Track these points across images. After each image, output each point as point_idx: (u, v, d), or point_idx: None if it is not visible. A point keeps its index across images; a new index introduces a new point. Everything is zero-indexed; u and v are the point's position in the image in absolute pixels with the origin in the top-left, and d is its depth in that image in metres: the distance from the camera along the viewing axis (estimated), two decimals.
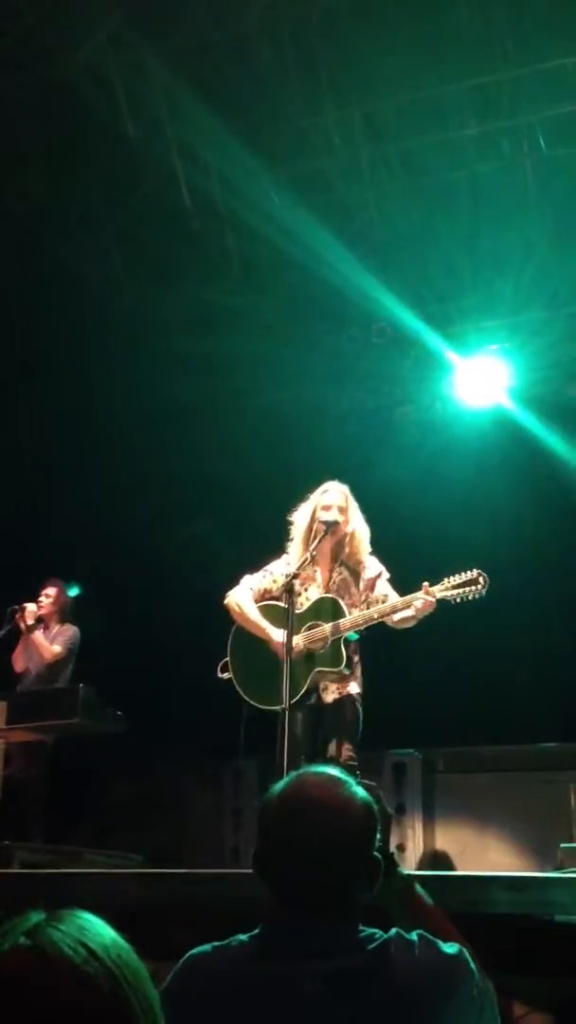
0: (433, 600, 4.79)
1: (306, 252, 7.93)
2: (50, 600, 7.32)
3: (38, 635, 7.15)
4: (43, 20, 6.72)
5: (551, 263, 8.07)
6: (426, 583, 4.86)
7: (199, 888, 4.15)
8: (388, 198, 8.10)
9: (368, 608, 5.04)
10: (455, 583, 4.79)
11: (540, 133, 7.44)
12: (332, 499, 5.17)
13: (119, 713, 6.65)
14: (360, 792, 1.94)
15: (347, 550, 5.15)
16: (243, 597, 5.20)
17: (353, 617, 4.98)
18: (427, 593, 4.81)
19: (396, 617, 4.94)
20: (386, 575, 5.13)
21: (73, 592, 7.21)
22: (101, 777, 8.66)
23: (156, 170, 7.90)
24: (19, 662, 7.29)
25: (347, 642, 4.99)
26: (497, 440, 8.68)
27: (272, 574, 5.19)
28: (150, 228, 8.40)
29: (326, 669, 4.97)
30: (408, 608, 4.86)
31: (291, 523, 5.26)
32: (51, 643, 7.16)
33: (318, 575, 5.19)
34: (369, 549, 5.19)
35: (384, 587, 5.06)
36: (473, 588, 4.76)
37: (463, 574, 4.79)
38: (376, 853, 1.92)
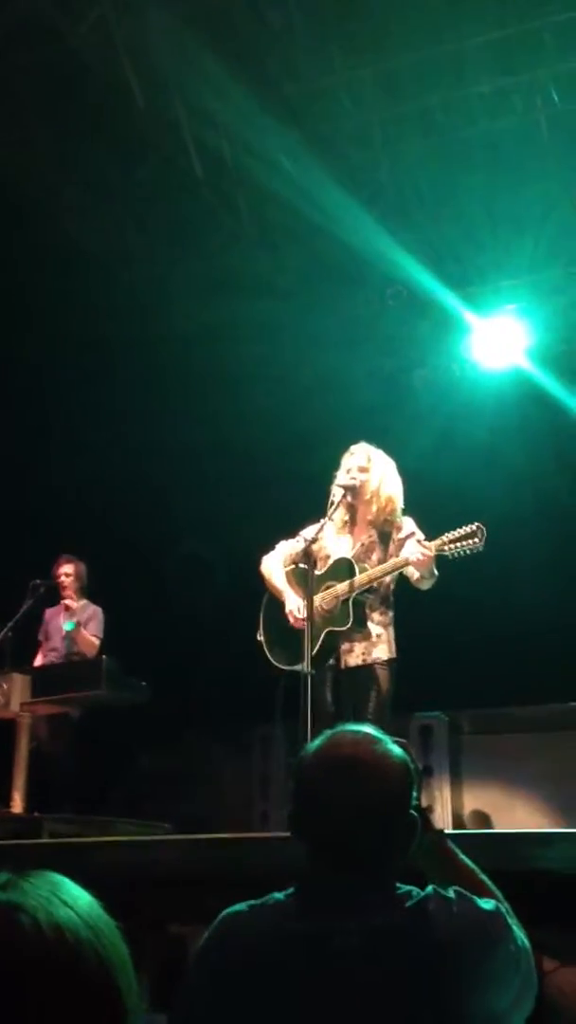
0: (430, 553, 4.76)
1: (320, 214, 7.84)
2: (71, 578, 7.29)
3: (83, 632, 7.12)
4: None
5: (571, 220, 7.96)
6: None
7: (230, 853, 4.17)
8: (402, 157, 7.98)
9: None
10: (452, 537, 4.76)
11: (553, 87, 7.31)
12: (353, 461, 5.15)
13: (143, 683, 6.67)
14: (396, 749, 1.92)
15: (373, 509, 5.11)
16: (272, 562, 5.25)
17: (360, 576, 4.96)
18: (422, 545, 4.79)
19: (410, 575, 4.95)
20: (419, 536, 4.96)
21: None
22: (128, 747, 8.70)
23: (165, 138, 7.81)
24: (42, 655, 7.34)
25: (357, 603, 4.97)
26: (516, 401, 8.63)
27: (304, 539, 5.15)
28: (161, 198, 8.31)
29: (335, 628, 4.97)
30: (409, 565, 4.86)
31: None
32: (85, 628, 7.14)
33: (348, 539, 5.17)
34: (400, 508, 5.13)
35: (412, 548, 4.89)
36: (471, 541, 4.71)
37: (461, 528, 4.76)
38: (412, 811, 1.90)
